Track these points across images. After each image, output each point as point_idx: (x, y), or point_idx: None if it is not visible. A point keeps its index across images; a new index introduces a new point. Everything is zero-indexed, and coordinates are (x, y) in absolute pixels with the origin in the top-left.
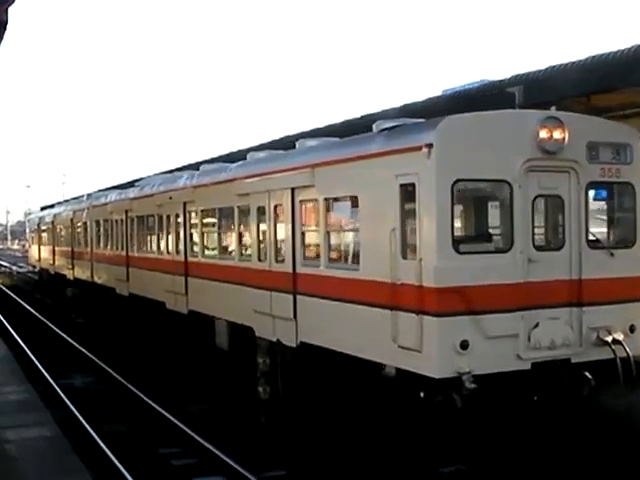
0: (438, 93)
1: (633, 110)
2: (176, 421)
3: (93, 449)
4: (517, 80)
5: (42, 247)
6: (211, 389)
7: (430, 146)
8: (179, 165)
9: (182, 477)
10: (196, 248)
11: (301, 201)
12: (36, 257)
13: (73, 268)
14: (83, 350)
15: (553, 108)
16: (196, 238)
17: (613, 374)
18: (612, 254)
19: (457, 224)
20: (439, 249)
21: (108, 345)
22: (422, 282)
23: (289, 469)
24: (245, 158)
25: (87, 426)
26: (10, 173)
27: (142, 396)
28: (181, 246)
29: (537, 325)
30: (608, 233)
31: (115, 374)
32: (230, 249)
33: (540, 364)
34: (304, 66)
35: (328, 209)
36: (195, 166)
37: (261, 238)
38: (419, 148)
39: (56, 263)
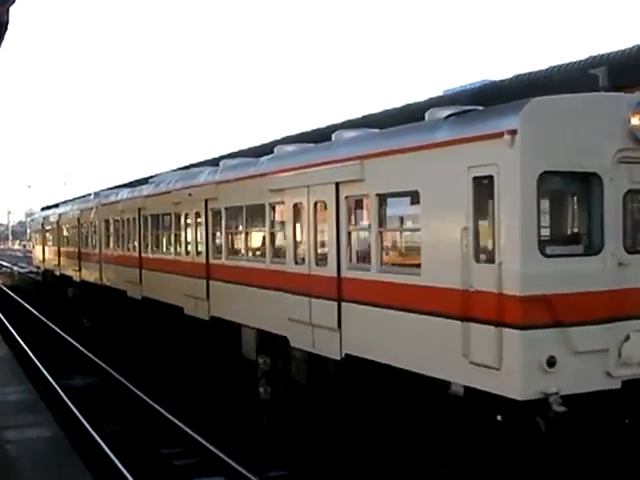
0: (439, 93)
1: None
2: (177, 421)
3: (94, 449)
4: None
5: (47, 247)
6: (214, 390)
7: (513, 132)
8: (178, 165)
9: (183, 477)
10: (220, 249)
11: (347, 197)
12: (40, 258)
13: (80, 270)
14: (87, 353)
15: None
16: (220, 238)
17: None
18: None
19: (542, 223)
20: (524, 251)
21: (117, 349)
22: (502, 289)
23: (290, 469)
24: (270, 152)
25: (88, 426)
26: (11, 173)
27: (144, 397)
28: (202, 247)
29: (628, 338)
30: None
31: (123, 379)
32: (260, 250)
33: (631, 382)
34: (304, 66)
35: (381, 206)
36: (213, 162)
37: (298, 239)
38: (499, 135)
39: (62, 264)
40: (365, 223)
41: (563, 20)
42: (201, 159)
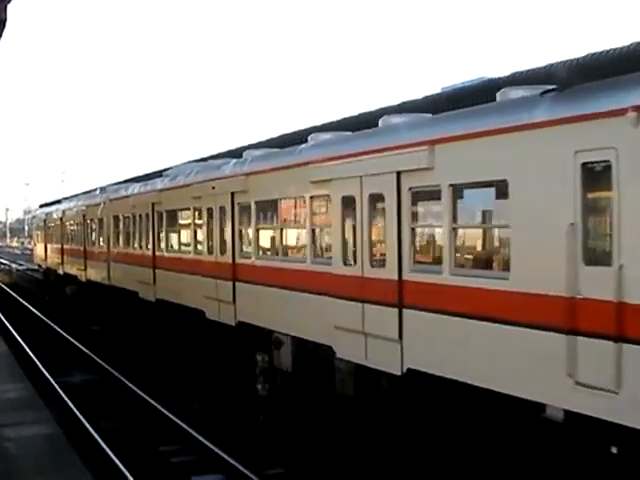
0: (437, 90)
1: None
2: (175, 419)
3: (92, 447)
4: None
5: (49, 245)
6: (212, 387)
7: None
8: (176, 163)
9: (181, 475)
10: (248, 248)
11: (411, 188)
12: (42, 256)
13: (85, 269)
14: (86, 350)
15: None
16: (248, 236)
17: None
18: None
19: None
20: None
21: (119, 348)
22: (623, 297)
23: (288, 467)
24: (303, 142)
25: (86, 424)
26: (9, 171)
27: (143, 394)
28: (228, 245)
29: None
30: None
31: (121, 376)
32: (299, 249)
33: None
34: (301, 63)
35: (456, 198)
36: (230, 154)
37: (347, 237)
38: (620, 113)
39: (65, 263)
40: (434, 218)
41: (561, 18)
42: (199, 156)
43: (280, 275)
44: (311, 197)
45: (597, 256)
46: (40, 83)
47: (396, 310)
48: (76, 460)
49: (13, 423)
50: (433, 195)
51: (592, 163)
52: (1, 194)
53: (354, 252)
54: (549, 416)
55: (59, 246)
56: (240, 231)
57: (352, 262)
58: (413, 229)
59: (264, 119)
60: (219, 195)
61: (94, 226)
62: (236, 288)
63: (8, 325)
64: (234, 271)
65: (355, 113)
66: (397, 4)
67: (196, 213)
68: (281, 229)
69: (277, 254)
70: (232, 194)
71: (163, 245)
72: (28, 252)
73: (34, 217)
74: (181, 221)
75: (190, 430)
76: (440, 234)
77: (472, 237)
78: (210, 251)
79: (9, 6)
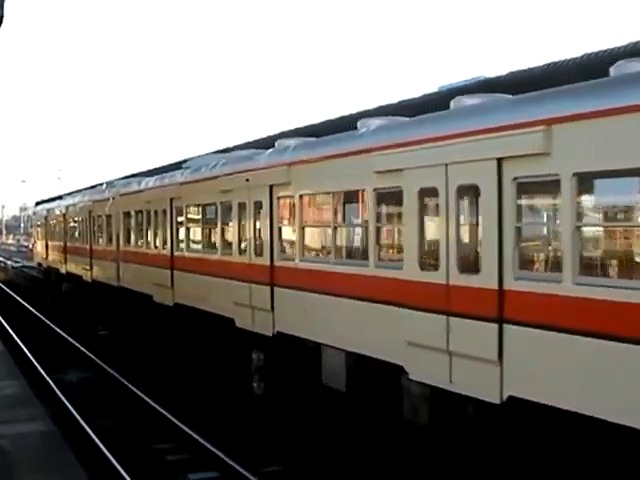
0: (434, 90)
1: None
2: (171, 416)
3: (87, 444)
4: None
5: (50, 243)
6: (207, 385)
7: None
8: (176, 161)
9: (177, 473)
10: (290, 248)
11: (516, 178)
12: (43, 255)
13: (91, 268)
14: (82, 348)
15: None
16: (289, 234)
17: None
18: None
19: None
20: None
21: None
22: None
23: (284, 465)
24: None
25: (81, 421)
26: (5, 168)
27: (138, 392)
28: (265, 245)
29: None
30: None
31: (117, 374)
32: (357, 251)
33: None
34: (299, 62)
35: (582, 190)
36: (263, 142)
37: (427, 236)
38: None
39: (68, 262)
40: (549, 215)
41: (559, 17)
42: (198, 153)
43: (333, 280)
44: (375, 190)
45: None
46: (36, 79)
47: (495, 326)
48: (71, 458)
49: (8, 420)
50: (548, 187)
51: None
52: None
53: (434, 255)
54: None
55: (61, 244)
56: (280, 229)
57: (431, 267)
58: (519, 228)
59: (253, 117)
60: (254, 188)
61: (101, 223)
62: (274, 294)
63: (4, 323)
64: (272, 275)
65: (356, 111)
66: (397, 4)
67: (225, 209)
68: (335, 227)
69: (329, 256)
70: (270, 187)
71: (183, 244)
72: (24, 250)
73: (34, 213)
74: (206, 218)
75: (185, 428)
76: (558, 234)
77: (604, 237)
78: (242, 251)
79: (5, 3)
